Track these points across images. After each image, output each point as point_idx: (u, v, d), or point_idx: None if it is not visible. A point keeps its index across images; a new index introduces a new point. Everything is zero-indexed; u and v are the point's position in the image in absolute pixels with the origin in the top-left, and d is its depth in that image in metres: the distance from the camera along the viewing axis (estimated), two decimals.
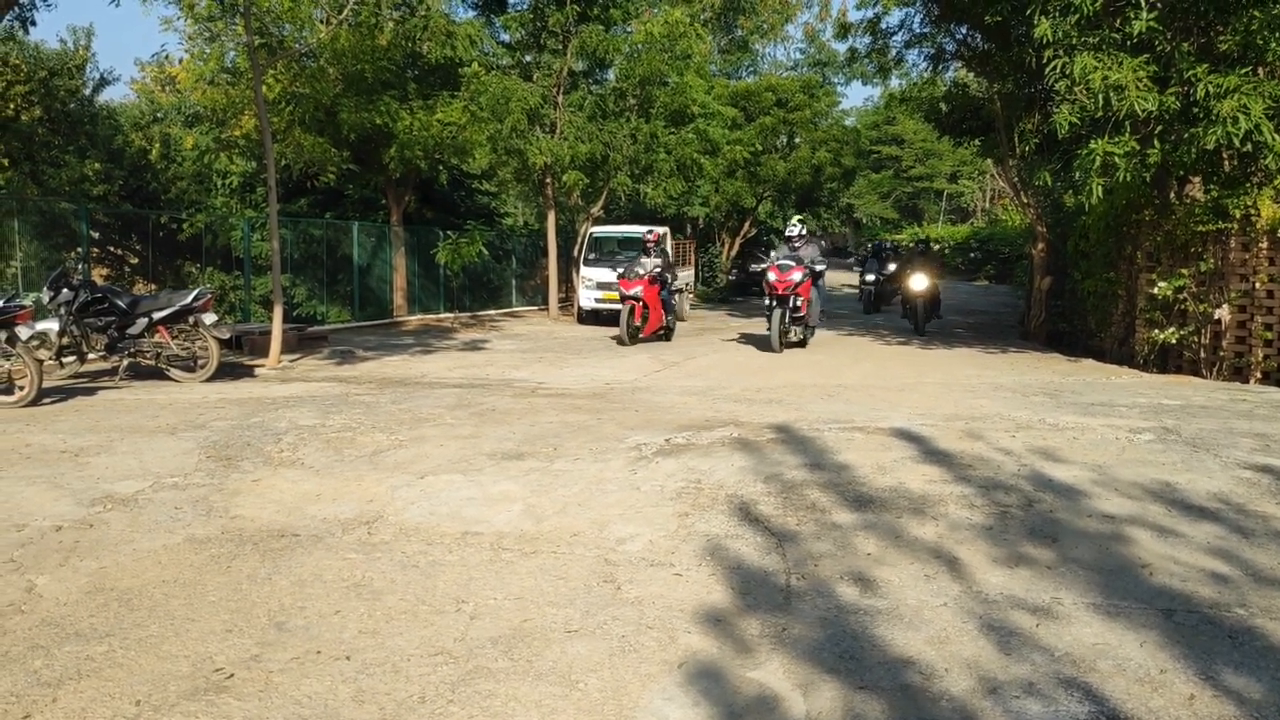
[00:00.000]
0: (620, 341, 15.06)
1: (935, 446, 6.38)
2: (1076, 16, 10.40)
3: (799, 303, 14.02)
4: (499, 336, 17.16)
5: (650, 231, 17.18)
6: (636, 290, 15.28)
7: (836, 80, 42.49)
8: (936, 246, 32.38)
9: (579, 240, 22.38)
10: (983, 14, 12.96)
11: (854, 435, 6.80)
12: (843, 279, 32.29)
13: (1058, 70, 10.69)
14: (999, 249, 38.53)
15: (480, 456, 6.25)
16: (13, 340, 8.40)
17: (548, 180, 21.21)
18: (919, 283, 17.34)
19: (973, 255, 41.01)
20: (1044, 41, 10.70)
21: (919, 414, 7.73)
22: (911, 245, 19.74)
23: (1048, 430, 7.02)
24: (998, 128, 15.89)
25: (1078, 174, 11.08)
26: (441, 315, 21.27)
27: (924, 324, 17.28)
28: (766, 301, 14.50)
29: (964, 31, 15.56)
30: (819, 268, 14.49)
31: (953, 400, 8.67)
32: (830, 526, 4.70)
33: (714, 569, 4.13)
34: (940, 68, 16.95)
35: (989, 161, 27.60)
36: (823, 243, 16.51)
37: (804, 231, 15.06)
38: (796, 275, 13.79)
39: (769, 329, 13.98)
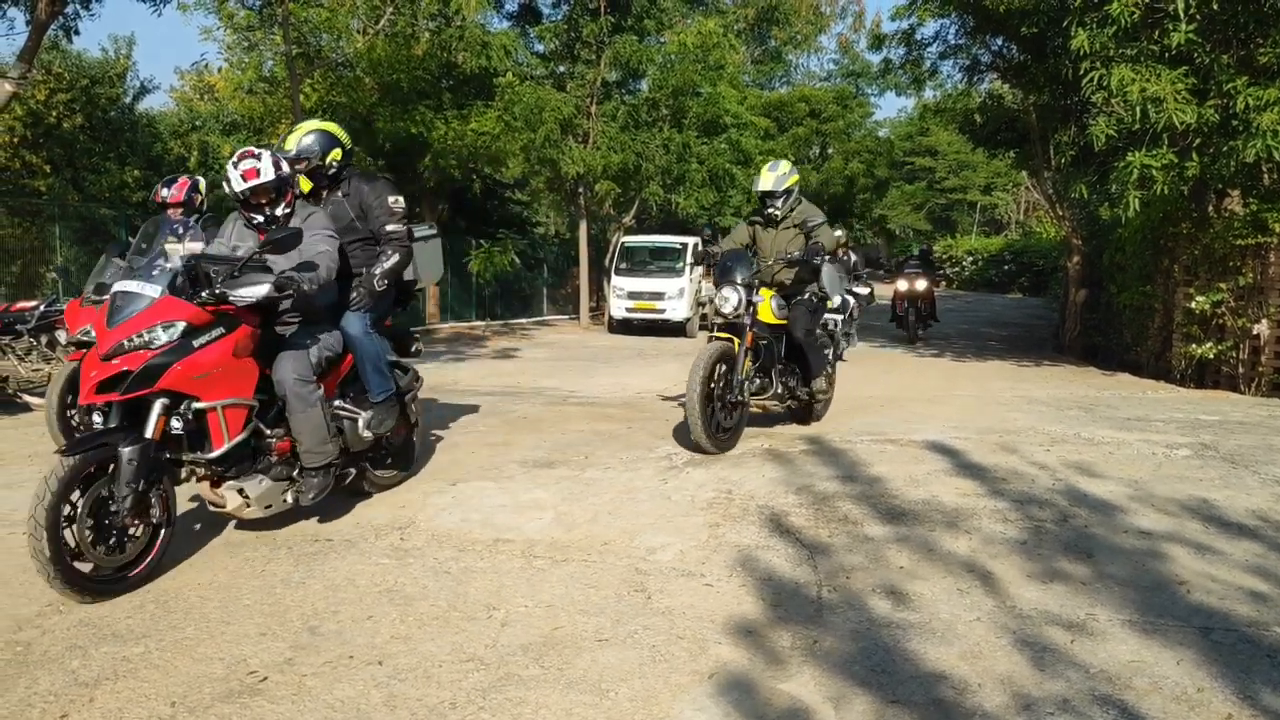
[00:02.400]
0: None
1: (969, 460, 6.33)
2: (1114, 28, 10.30)
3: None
4: (530, 345, 17.22)
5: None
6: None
7: (870, 91, 42.46)
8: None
9: (610, 250, 22.43)
10: (1019, 25, 12.88)
11: (886, 447, 6.76)
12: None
13: (1094, 82, 10.60)
14: (1033, 261, 38.17)
15: (511, 464, 6.28)
16: (53, 344, 8.54)
17: (580, 190, 21.29)
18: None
19: (1006, 268, 40.69)
20: (1081, 53, 10.61)
21: (952, 426, 7.68)
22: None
23: (1083, 445, 6.94)
24: (1033, 139, 15.77)
25: (1114, 186, 10.97)
26: (474, 323, 21.38)
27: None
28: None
29: (999, 43, 15.44)
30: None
31: (986, 413, 8.61)
32: (862, 539, 4.67)
33: (745, 580, 4.12)
34: (975, 79, 16.82)
35: (1024, 174, 27.39)
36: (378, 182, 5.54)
37: (295, 152, 5.25)
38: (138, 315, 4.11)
39: None
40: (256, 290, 4.33)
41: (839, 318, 12.94)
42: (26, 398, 8.55)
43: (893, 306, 18.46)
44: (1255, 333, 10.85)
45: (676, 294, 19.33)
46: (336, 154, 5.35)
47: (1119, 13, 10.09)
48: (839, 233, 14.64)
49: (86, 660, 3.36)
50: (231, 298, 4.33)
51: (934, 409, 8.94)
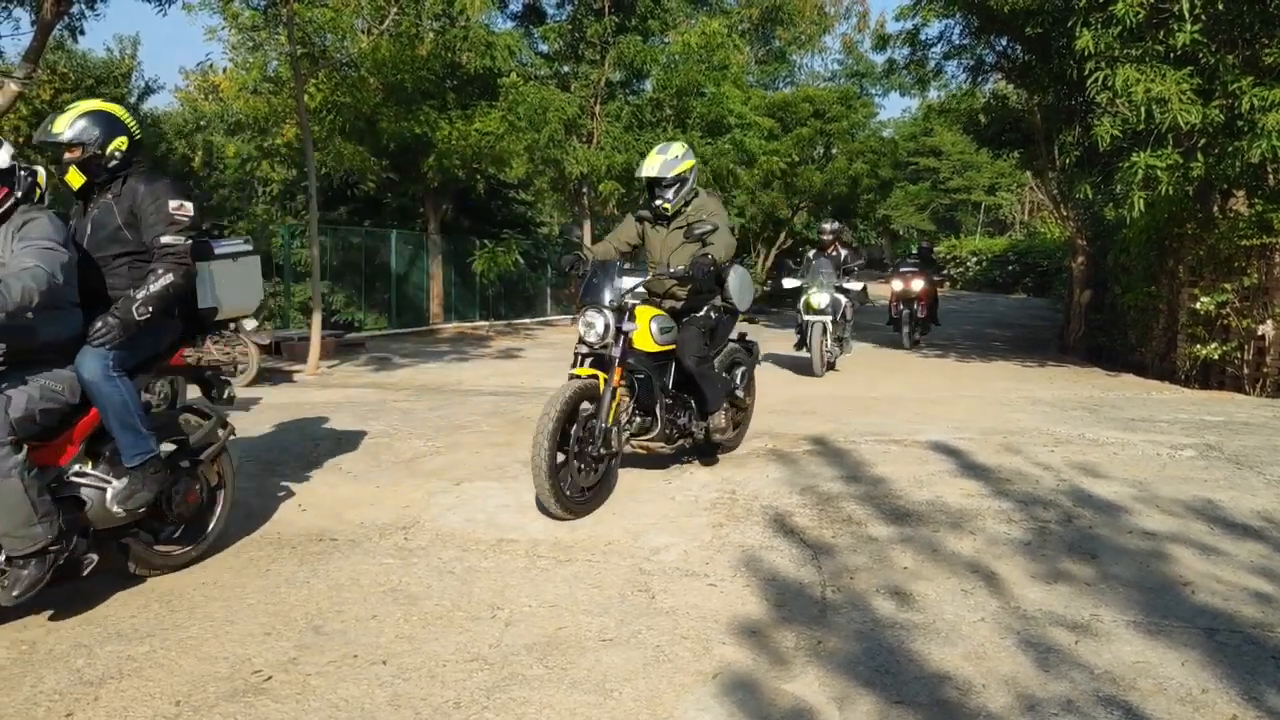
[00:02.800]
0: None
1: (973, 460, 6.32)
2: (1119, 28, 10.28)
3: None
4: (533, 345, 17.23)
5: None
6: None
7: (874, 91, 42.32)
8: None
9: None
10: (1023, 26, 12.86)
11: (890, 448, 6.75)
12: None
13: (1099, 82, 10.57)
14: (1037, 262, 38.13)
15: (515, 464, 6.27)
16: None
17: (584, 190, 21.27)
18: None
19: (1010, 268, 40.66)
20: (1085, 53, 10.58)
21: (956, 427, 7.67)
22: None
23: (1087, 445, 6.94)
24: (1037, 140, 15.75)
25: (1119, 187, 10.97)
26: (477, 323, 21.39)
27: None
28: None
29: (1004, 43, 15.41)
30: None
31: (990, 414, 8.60)
32: (866, 539, 4.67)
33: (749, 580, 4.12)
34: (979, 79, 16.78)
35: (1028, 174, 27.32)
36: None
37: (68, 137, 4.01)
38: None
39: None
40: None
41: (826, 320, 11.99)
42: None
43: (889, 308, 17.94)
44: (1260, 333, 10.83)
45: None
46: (121, 143, 4.08)
47: (1124, 13, 10.07)
48: (835, 225, 14.21)
49: (91, 659, 3.36)
50: None
51: (938, 409, 8.93)
